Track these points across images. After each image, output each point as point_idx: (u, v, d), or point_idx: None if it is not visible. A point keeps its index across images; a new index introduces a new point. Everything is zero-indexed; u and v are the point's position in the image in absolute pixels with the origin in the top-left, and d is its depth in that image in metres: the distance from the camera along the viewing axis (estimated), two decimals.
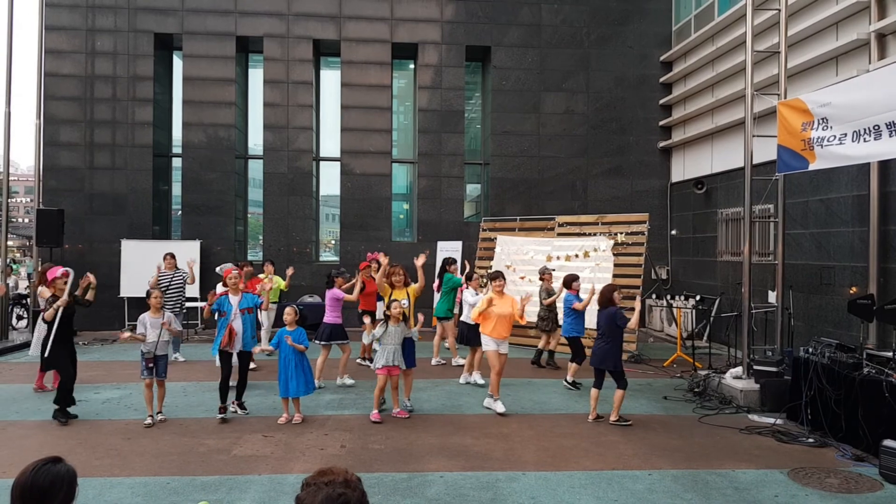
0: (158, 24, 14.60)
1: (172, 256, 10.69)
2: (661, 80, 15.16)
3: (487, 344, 7.65)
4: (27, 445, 6.29)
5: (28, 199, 70.58)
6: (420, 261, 7.93)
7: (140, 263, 12.60)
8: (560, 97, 15.21)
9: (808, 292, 9.82)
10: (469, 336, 9.08)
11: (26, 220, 66.49)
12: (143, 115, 14.53)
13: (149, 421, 6.92)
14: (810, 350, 7.01)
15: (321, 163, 15.82)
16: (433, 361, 10.51)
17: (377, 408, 7.24)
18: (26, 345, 11.93)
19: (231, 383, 7.27)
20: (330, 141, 15.76)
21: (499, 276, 7.79)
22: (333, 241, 16.77)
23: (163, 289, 9.99)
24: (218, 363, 7.63)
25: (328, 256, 16.52)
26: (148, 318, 7.04)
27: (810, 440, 6.53)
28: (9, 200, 13.16)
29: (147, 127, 14.54)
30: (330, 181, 15.80)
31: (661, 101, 15.13)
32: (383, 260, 7.76)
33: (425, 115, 15.15)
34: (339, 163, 15.20)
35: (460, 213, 15.30)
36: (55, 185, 14.32)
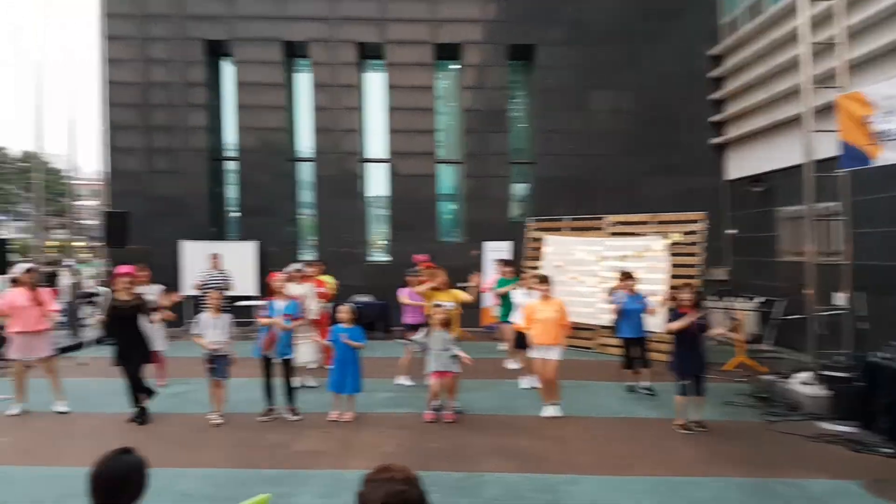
0: (208, 32, 14.96)
1: (216, 257, 10.89)
2: (712, 74, 14.78)
3: (531, 351, 7.55)
4: (101, 436, 6.56)
5: (93, 203, 73.22)
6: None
7: (199, 263, 12.92)
8: (607, 94, 14.98)
9: (878, 294, 9.40)
10: (519, 340, 9.02)
11: (94, 223, 68.98)
12: (196, 119, 14.92)
13: (215, 419, 7.05)
14: (885, 355, 6.70)
15: (369, 164, 15.96)
16: (511, 365, 10.18)
17: (429, 407, 7.24)
18: (96, 341, 12.36)
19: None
20: (376, 143, 15.88)
21: (544, 280, 7.65)
22: (382, 242, 16.90)
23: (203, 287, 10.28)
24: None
25: (378, 257, 16.65)
26: (206, 318, 7.09)
27: (887, 450, 6.21)
28: (77, 204, 13.71)
29: (201, 131, 14.92)
30: (378, 182, 15.93)
31: (713, 97, 14.76)
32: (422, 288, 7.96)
33: (470, 115, 15.13)
34: (385, 164, 15.32)
35: (507, 212, 15.23)
36: (119, 188, 14.82)
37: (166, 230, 14.53)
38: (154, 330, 8.45)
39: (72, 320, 13.11)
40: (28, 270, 7.65)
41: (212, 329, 7.04)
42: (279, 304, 7.34)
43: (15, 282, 7.60)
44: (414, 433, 6.72)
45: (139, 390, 7.25)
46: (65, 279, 15.13)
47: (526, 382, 8.91)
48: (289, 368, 7.42)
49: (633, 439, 6.61)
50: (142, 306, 7.39)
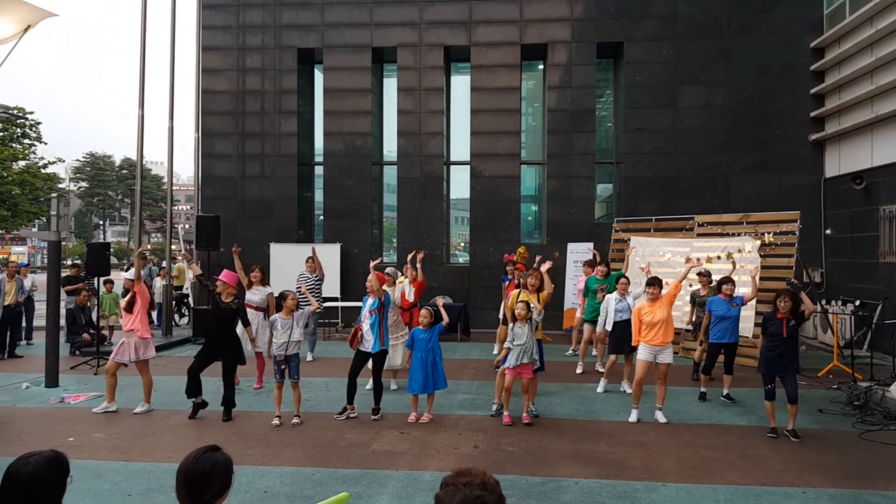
0: (301, 40, 15.54)
1: (312, 259, 11.22)
2: (812, 67, 14.00)
3: (641, 352, 7.36)
4: (188, 433, 6.89)
5: (188, 207, 77.66)
6: (545, 266, 7.62)
7: (286, 265, 13.42)
8: (698, 90, 14.48)
9: None
10: (610, 342, 8.88)
11: (187, 226, 73.16)
12: (288, 126, 15.53)
13: (276, 422, 7.08)
14: None
15: (451, 167, 16.11)
16: (578, 370, 10.05)
17: (507, 409, 7.20)
18: (188, 340, 13.09)
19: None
20: (460, 145, 16.01)
21: (654, 283, 7.37)
22: (462, 244, 17.01)
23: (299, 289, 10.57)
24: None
25: (458, 258, 16.79)
26: (279, 319, 7.19)
27: None
28: (172, 208, 14.52)
29: (292, 137, 15.53)
30: (460, 184, 16.05)
31: (813, 91, 13.96)
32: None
33: (555, 116, 14.99)
34: (468, 166, 15.41)
35: (591, 213, 14.99)
36: (211, 193, 15.65)
37: (255, 233, 15.23)
38: (259, 332, 8.80)
39: (167, 321, 13.84)
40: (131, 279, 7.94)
41: (283, 330, 7.12)
42: (370, 300, 7.46)
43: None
44: (491, 435, 6.72)
45: (195, 388, 7.39)
46: (160, 281, 15.94)
47: (602, 386, 8.78)
48: (379, 365, 7.48)
49: (718, 447, 6.37)
50: (239, 311, 7.62)
